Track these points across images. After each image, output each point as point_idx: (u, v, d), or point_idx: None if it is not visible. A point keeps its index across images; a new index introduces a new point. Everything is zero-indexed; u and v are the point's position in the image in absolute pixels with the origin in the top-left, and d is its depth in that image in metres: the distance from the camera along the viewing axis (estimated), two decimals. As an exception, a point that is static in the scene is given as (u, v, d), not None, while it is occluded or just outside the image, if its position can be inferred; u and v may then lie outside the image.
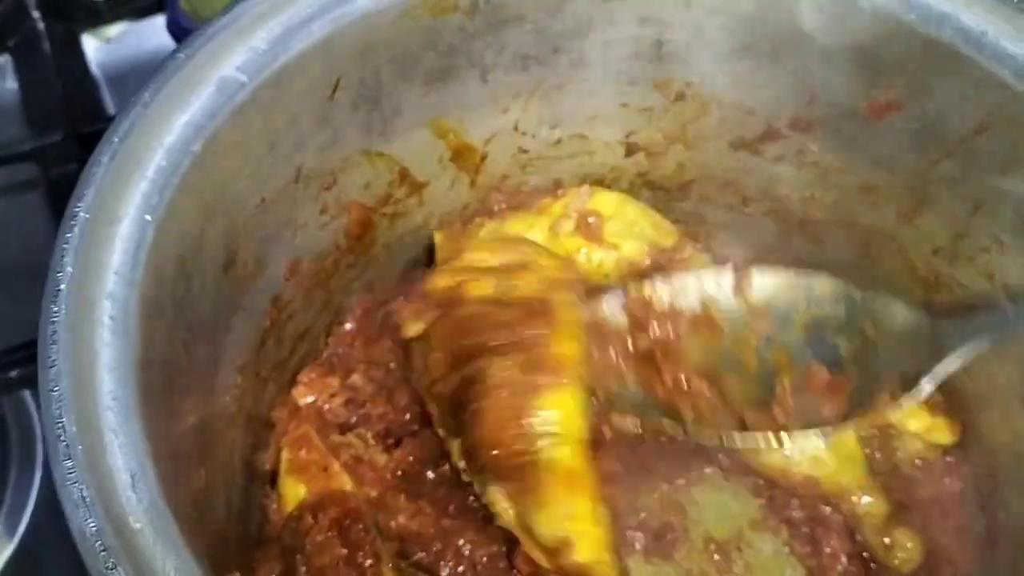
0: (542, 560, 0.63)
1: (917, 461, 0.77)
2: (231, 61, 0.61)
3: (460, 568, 0.68)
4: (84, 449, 0.47)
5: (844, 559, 0.73)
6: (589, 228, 0.84)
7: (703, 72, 0.76)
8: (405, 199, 0.82)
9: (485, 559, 0.67)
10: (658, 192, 0.89)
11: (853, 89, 0.71)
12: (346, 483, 0.69)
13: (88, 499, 0.45)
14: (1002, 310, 0.65)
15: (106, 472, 0.47)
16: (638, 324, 0.73)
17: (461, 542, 0.67)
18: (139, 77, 0.60)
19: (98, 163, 0.55)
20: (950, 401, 0.77)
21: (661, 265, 0.83)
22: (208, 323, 0.64)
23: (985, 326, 0.65)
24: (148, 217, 0.55)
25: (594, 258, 0.83)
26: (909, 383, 0.66)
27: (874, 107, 0.72)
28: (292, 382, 0.78)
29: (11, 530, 0.80)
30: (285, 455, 0.71)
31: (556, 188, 0.88)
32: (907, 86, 0.69)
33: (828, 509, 0.74)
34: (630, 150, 0.86)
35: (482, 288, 0.71)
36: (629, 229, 0.84)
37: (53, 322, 0.50)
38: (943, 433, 0.76)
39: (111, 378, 0.50)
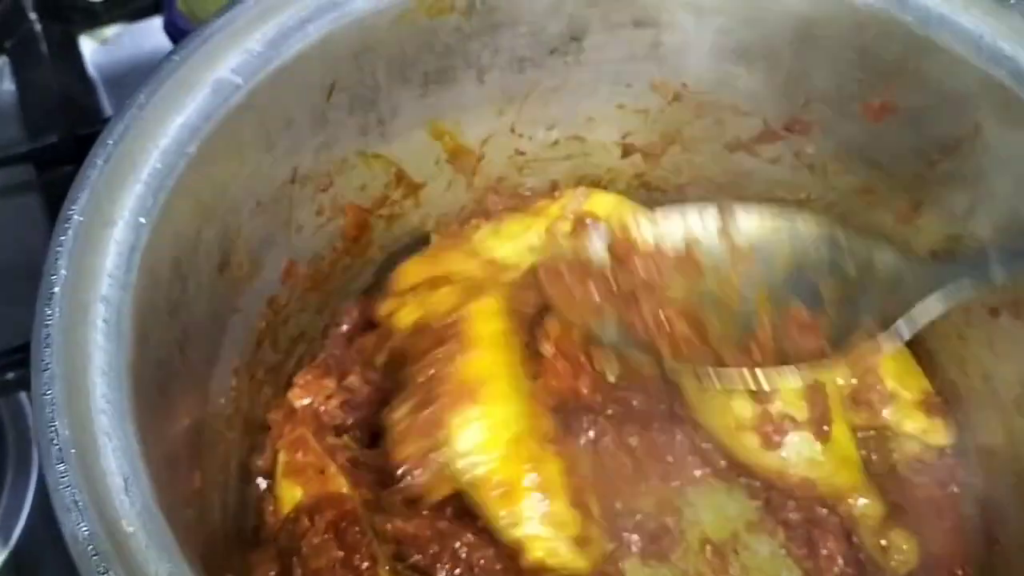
0: None
1: (913, 463, 0.77)
2: (226, 63, 0.61)
3: (457, 571, 0.68)
4: (77, 453, 0.47)
5: (841, 561, 0.73)
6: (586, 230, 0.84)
7: (699, 74, 0.76)
8: (402, 201, 0.82)
9: (483, 561, 0.67)
10: (655, 193, 0.89)
11: (850, 90, 0.71)
12: (342, 485, 0.68)
13: (80, 503, 0.45)
14: (984, 256, 0.63)
15: (99, 476, 0.47)
16: (621, 263, 0.73)
17: (458, 544, 0.67)
18: (136, 78, 0.60)
19: (92, 165, 0.55)
20: (946, 402, 0.77)
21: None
22: (203, 325, 0.64)
23: (966, 272, 0.64)
24: (142, 220, 0.55)
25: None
26: (888, 325, 0.65)
27: (871, 108, 0.72)
28: (288, 384, 0.78)
29: (7, 533, 0.80)
30: (281, 457, 0.71)
31: (553, 190, 0.88)
32: (904, 88, 0.69)
33: (824, 511, 0.74)
34: (626, 151, 0.85)
35: (409, 315, 0.73)
36: (625, 230, 0.84)
37: (47, 325, 0.50)
38: (939, 434, 0.76)
39: (104, 381, 0.50)
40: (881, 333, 0.66)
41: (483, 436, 0.65)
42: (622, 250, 0.73)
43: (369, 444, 0.75)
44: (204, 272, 0.63)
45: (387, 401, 0.71)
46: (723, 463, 0.76)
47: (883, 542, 0.72)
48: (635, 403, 0.78)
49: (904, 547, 0.71)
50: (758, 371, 0.67)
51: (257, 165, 0.66)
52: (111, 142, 0.56)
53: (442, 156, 0.81)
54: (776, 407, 0.73)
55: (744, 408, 0.73)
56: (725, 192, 0.85)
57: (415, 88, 0.73)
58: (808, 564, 0.74)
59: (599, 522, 0.69)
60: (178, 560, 0.46)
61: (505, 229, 0.83)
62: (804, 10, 0.69)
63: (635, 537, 0.74)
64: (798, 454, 0.73)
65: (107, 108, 1.10)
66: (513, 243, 0.82)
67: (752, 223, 0.73)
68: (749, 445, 0.73)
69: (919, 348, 0.79)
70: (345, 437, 0.75)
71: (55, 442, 0.47)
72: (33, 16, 1.11)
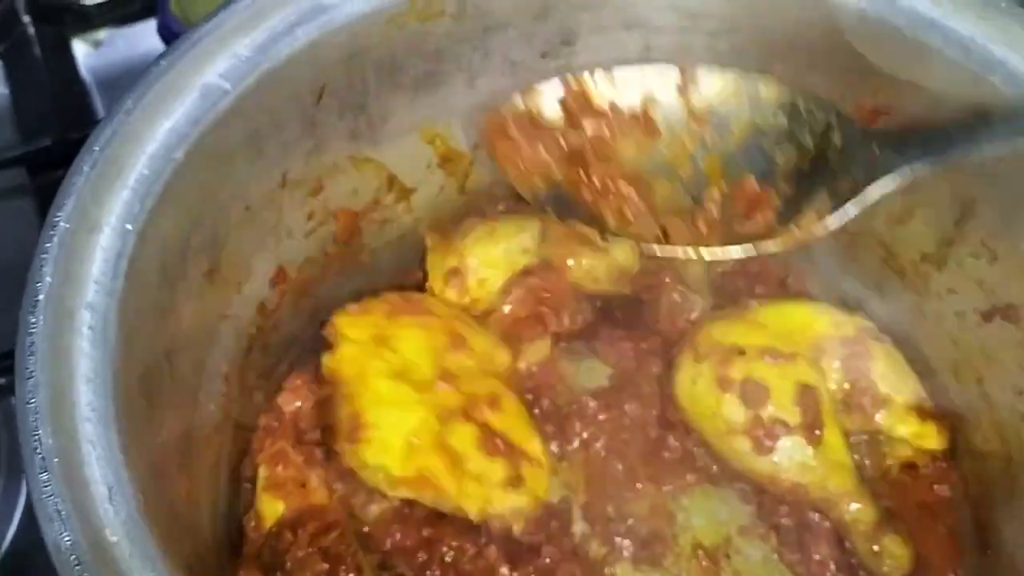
0: None
1: (906, 467, 0.77)
2: (214, 68, 0.61)
3: (445, 577, 0.68)
4: (60, 462, 0.47)
5: (833, 566, 0.72)
6: (580, 233, 0.83)
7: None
8: (393, 205, 0.82)
9: (469, 566, 0.66)
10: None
11: (841, 93, 0.71)
12: (324, 497, 0.68)
13: (63, 512, 0.45)
14: (942, 133, 0.62)
15: (83, 485, 0.47)
16: (573, 119, 0.71)
17: (444, 549, 0.67)
18: (129, 82, 0.60)
19: (79, 172, 0.55)
20: (939, 406, 0.77)
21: (653, 271, 0.82)
22: (192, 331, 0.64)
23: (923, 150, 0.63)
24: (129, 226, 0.55)
25: (584, 263, 0.82)
26: (838, 204, 0.65)
27: (863, 110, 0.71)
28: (279, 390, 0.78)
29: (-1, 538, 0.80)
30: (262, 472, 0.71)
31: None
32: (896, 90, 0.69)
33: (817, 516, 0.74)
34: (619, 155, 0.85)
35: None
36: (620, 233, 0.84)
37: (31, 333, 0.50)
38: (932, 439, 0.75)
39: (90, 389, 0.50)
40: (830, 215, 0.65)
41: (379, 447, 0.67)
42: (576, 105, 0.71)
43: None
44: (192, 278, 0.63)
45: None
46: (715, 468, 0.76)
47: (875, 547, 0.71)
48: (627, 408, 0.78)
49: (897, 552, 0.71)
50: (703, 249, 0.67)
51: (246, 170, 0.66)
52: (97, 148, 0.56)
53: (434, 160, 0.81)
54: (768, 412, 0.72)
55: (735, 413, 0.73)
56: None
57: (406, 92, 0.73)
58: (800, 569, 0.73)
59: (535, 459, 0.71)
60: (162, 570, 0.46)
61: (499, 230, 0.83)
62: (795, 13, 0.69)
63: (627, 542, 0.73)
64: (790, 459, 0.72)
65: (100, 111, 1.11)
66: (506, 244, 0.82)
67: (713, 84, 0.70)
68: (741, 450, 0.73)
69: (912, 352, 0.79)
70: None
71: (38, 451, 0.47)
72: (26, 19, 1.12)
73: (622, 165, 0.70)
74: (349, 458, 0.68)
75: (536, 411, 0.78)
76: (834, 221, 0.65)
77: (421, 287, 0.83)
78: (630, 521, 0.74)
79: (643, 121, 0.71)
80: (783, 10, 0.69)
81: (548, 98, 0.72)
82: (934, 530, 0.75)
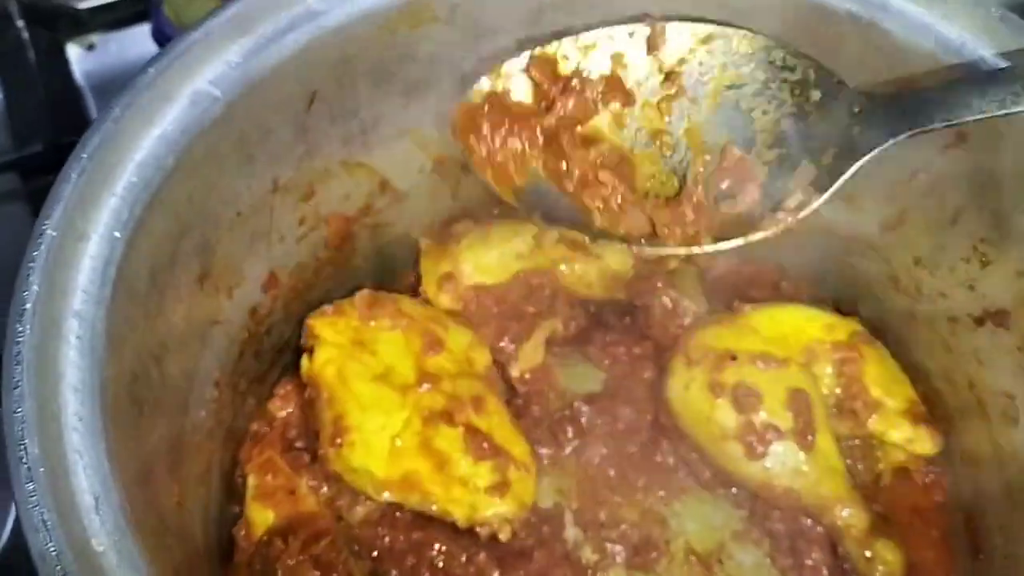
0: None
1: (899, 472, 0.77)
2: (204, 75, 0.61)
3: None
4: (47, 471, 0.46)
5: (825, 571, 0.72)
6: (574, 238, 0.83)
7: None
8: (386, 209, 0.82)
9: (459, 571, 0.66)
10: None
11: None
12: (314, 504, 0.68)
13: (49, 523, 0.45)
14: (926, 96, 0.62)
15: (69, 494, 0.47)
16: (543, 95, 0.69)
17: (434, 554, 0.67)
18: (123, 86, 0.60)
19: (66, 180, 0.55)
20: (932, 411, 0.77)
21: (645, 276, 0.82)
22: (182, 337, 0.64)
23: (907, 117, 0.62)
24: (118, 234, 0.55)
25: (577, 268, 0.82)
26: (821, 184, 0.65)
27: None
28: (271, 395, 0.78)
29: (-9, 546, 0.80)
30: (251, 481, 0.71)
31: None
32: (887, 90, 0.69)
33: (809, 521, 0.73)
34: (612, 159, 0.85)
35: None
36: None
37: (18, 342, 0.50)
38: (925, 444, 0.75)
39: (77, 398, 0.49)
40: (816, 195, 0.65)
41: (363, 450, 0.68)
42: (543, 74, 0.69)
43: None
44: (183, 284, 0.63)
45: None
46: (708, 473, 0.76)
47: (868, 553, 0.71)
48: (620, 413, 0.77)
49: (889, 557, 0.71)
50: (695, 248, 0.67)
51: (236, 176, 0.66)
52: (85, 156, 0.56)
53: (426, 164, 0.81)
54: (760, 417, 0.72)
55: (728, 418, 0.73)
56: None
57: (398, 97, 0.73)
58: (793, 575, 0.73)
59: (522, 462, 0.71)
60: (149, 578, 0.46)
61: (493, 234, 0.83)
62: (786, 17, 0.69)
63: (619, 548, 0.73)
64: (782, 464, 0.72)
65: (94, 115, 1.10)
66: (500, 249, 0.82)
67: (683, 41, 0.68)
68: (733, 455, 0.73)
69: (904, 357, 0.79)
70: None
71: (24, 461, 0.46)
72: (20, 23, 1.11)
73: (600, 146, 0.69)
74: (334, 462, 0.68)
75: (528, 416, 0.78)
76: (819, 198, 0.65)
77: (414, 292, 0.83)
78: (623, 527, 0.74)
79: (615, 85, 0.69)
80: (773, 13, 0.69)
81: (517, 81, 0.70)
82: (926, 535, 0.75)
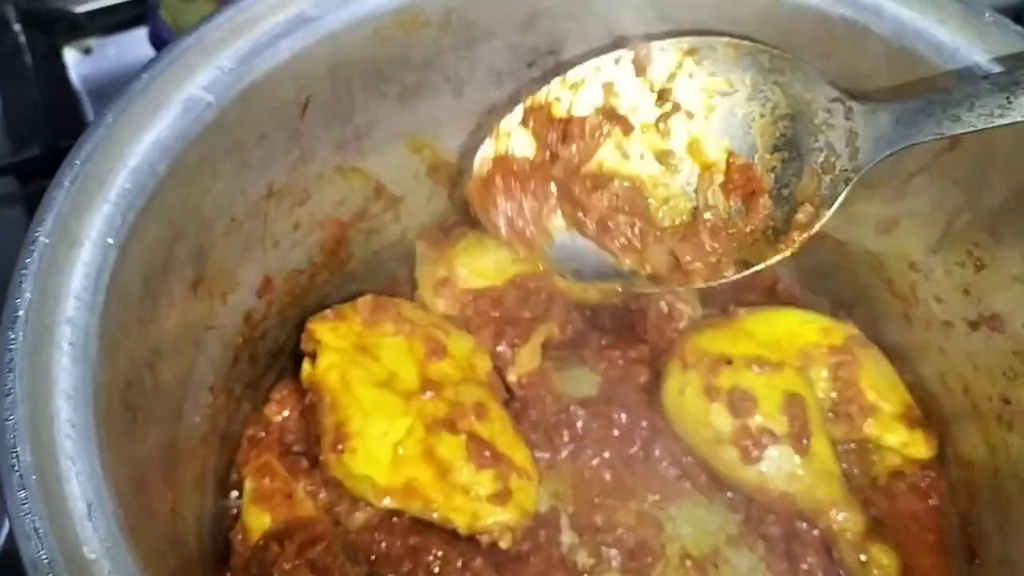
0: None
1: (894, 476, 0.77)
2: (197, 80, 0.61)
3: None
4: (39, 479, 0.46)
5: (821, 575, 0.72)
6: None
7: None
8: (381, 214, 0.82)
9: (454, 575, 0.67)
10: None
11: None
12: (311, 509, 0.68)
13: (41, 530, 0.45)
14: (917, 107, 0.62)
15: (61, 501, 0.47)
16: (545, 144, 0.70)
17: (430, 559, 0.67)
18: (118, 91, 0.60)
19: (59, 186, 0.55)
20: (927, 415, 0.77)
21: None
22: (176, 343, 0.64)
23: (899, 128, 0.62)
24: (111, 240, 0.55)
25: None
26: (827, 200, 0.66)
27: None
28: (266, 400, 0.78)
29: (-13, 553, 0.80)
30: (248, 485, 0.71)
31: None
32: (881, 98, 0.69)
33: (805, 525, 0.73)
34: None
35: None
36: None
37: (10, 349, 0.50)
38: (920, 447, 0.75)
39: (69, 405, 0.49)
40: (824, 209, 0.66)
41: (365, 457, 0.68)
42: (539, 122, 0.70)
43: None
44: (176, 290, 0.63)
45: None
46: (703, 477, 0.76)
47: (863, 557, 0.71)
48: (615, 417, 0.78)
49: (885, 561, 0.71)
50: (720, 280, 0.68)
51: (231, 182, 0.65)
52: (78, 162, 0.56)
53: (422, 169, 0.81)
54: (755, 421, 0.72)
55: (723, 422, 0.73)
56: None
57: (392, 102, 0.73)
58: (788, 578, 0.74)
59: (524, 470, 0.71)
60: (142, 586, 0.46)
61: (489, 238, 0.83)
62: (782, 23, 0.69)
63: (615, 552, 0.73)
64: (778, 468, 0.72)
65: (91, 119, 1.10)
66: (496, 253, 0.82)
67: (669, 58, 0.69)
68: (728, 459, 0.73)
69: (900, 361, 0.79)
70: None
71: (16, 468, 0.46)
72: (17, 27, 1.11)
73: (611, 187, 0.70)
74: (335, 468, 0.68)
75: (525, 421, 0.78)
76: (827, 212, 0.66)
77: (410, 296, 0.83)
78: (618, 531, 0.74)
79: (610, 114, 0.70)
80: (769, 20, 0.69)
81: (517, 137, 0.71)
82: (922, 539, 0.75)
